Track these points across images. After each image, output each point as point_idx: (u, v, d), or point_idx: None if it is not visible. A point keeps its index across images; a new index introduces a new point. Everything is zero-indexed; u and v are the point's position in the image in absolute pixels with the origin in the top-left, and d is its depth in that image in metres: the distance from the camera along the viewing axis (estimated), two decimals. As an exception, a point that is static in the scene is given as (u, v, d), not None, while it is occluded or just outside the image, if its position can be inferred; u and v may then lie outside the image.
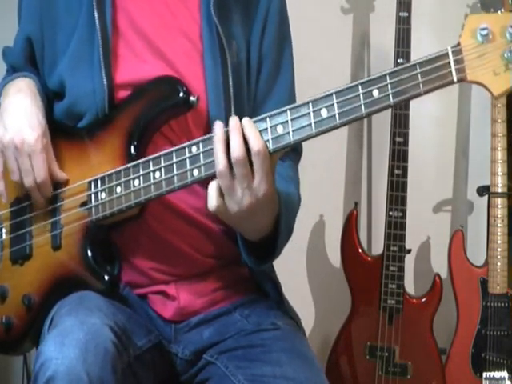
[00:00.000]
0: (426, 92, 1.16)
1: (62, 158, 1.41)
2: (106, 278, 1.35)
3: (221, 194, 1.24)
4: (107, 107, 1.38)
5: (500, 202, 2.14)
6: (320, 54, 2.34)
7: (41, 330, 1.36)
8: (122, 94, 1.40)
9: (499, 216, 2.14)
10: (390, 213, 2.17)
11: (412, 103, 2.09)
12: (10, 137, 1.36)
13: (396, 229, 2.16)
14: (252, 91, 1.47)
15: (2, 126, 1.38)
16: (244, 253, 1.38)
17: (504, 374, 2.17)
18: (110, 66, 1.39)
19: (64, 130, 1.44)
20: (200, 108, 1.37)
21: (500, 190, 2.14)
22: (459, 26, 2.47)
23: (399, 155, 2.15)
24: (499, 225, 2.14)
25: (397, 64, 2.11)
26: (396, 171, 2.15)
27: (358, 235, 2.26)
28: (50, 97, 1.47)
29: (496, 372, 2.17)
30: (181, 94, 1.34)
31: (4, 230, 1.46)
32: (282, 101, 1.48)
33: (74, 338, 1.16)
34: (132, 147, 1.35)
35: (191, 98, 1.34)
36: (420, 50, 2.23)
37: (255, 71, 1.47)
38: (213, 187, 1.24)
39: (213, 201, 1.24)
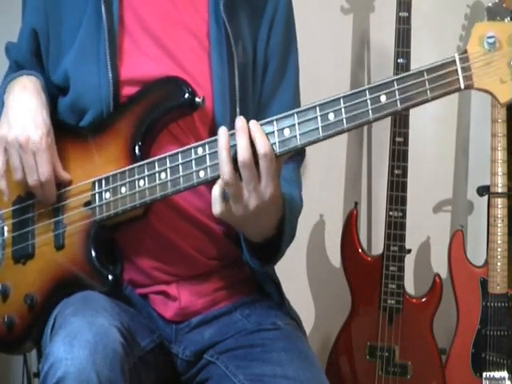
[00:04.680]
0: (434, 98, 1.17)
1: (66, 157, 1.40)
2: (110, 277, 1.34)
3: (224, 198, 1.24)
4: (112, 103, 1.38)
5: (500, 202, 2.14)
6: (320, 54, 2.34)
7: (43, 329, 1.36)
8: (128, 90, 1.39)
9: (499, 216, 2.14)
10: (390, 213, 2.17)
11: (412, 103, 2.09)
12: (14, 134, 1.35)
13: (396, 229, 2.16)
14: (257, 92, 1.47)
15: (7, 123, 1.37)
16: (247, 254, 1.38)
17: (504, 374, 2.17)
18: (115, 60, 1.39)
19: (67, 129, 1.43)
20: (206, 106, 1.37)
21: (500, 190, 2.14)
22: (459, 26, 2.48)
23: (399, 155, 2.15)
24: (499, 225, 2.14)
25: (397, 64, 2.11)
26: (396, 171, 2.15)
27: (358, 235, 2.26)
28: (53, 94, 1.46)
29: (496, 372, 2.17)
30: (186, 95, 1.34)
31: (6, 229, 1.45)
32: (287, 102, 1.49)
33: (83, 339, 1.16)
34: (136, 147, 1.35)
35: (197, 100, 1.34)
36: (420, 50, 2.24)
37: (261, 72, 1.47)
38: (216, 192, 1.24)
39: (217, 206, 1.24)
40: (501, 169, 2.14)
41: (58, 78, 1.45)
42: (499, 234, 2.14)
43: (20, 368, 2.22)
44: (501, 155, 2.13)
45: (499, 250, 2.14)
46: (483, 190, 2.21)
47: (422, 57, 2.26)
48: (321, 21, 2.35)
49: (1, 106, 1.43)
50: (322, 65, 2.35)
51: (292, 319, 1.49)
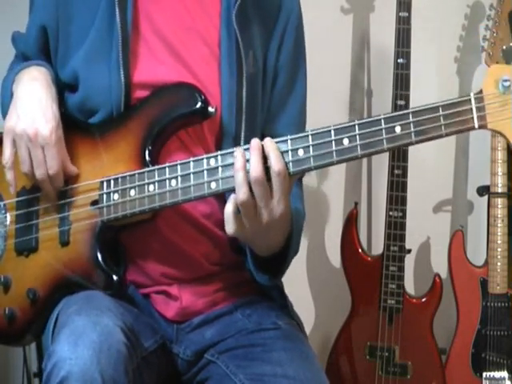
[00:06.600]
0: (448, 134, 1.17)
1: (74, 152, 1.39)
2: (115, 278, 1.34)
3: (236, 217, 1.23)
4: (123, 105, 1.37)
5: (500, 202, 2.14)
6: (320, 54, 2.33)
7: (44, 324, 1.36)
8: (139, 93, 1.39)
9: (499, 216, 2.14)
10: (390, 213, 2.17)
11: (412, 103, 2.09)
12: (23, 127, 1.34)
13: (396, 229, 2.16)
14: (266, 102, 1.47)
15: (16, 114, 1.36)
16: (253, 269, 1.38)
17: (504, 374, 2.17)
18: (128, 63, 1.38)
19: (76, 125, 1.42)
20: (215, 115, 1.37)
21: (500, 190, 2.14)
22: (459, 26, 2.48)
23: (399, 155, 2.15)
24: (499, 225, 2.14)
25: (397, 64, 2.12)
26: (396, 171, 2.15)
27: (358, 235, 2.25)
28: (61, 89, 1.45)
29: (496, 372, 2.17)
30: (199, 104, 1.33)
31: (9, 219, 1.44)
32: (295, 114, 1.50)
33: (87, 338, 1.16)
34: (146, 151, 1.35)
35: (209, 109, 1.34)
36: (420, 50, 2.24)
37: (270, 83, 1.47)
38: (229, 210, 1.24)
39: (231, 225, 1.24)
40: (501, 169, 2.14)
41: (66, 75, 1.44)
42: (499, 234, 2.14)
43: (20, 368, 2.22)
44: (501, 155, 2.13)
45: (499, 250, 2.14)
46: (483, 190, 2.21)
47: (421, 57, 2.26)
48: (321, 21, 2.35)
49: (9, 95, 1.42)
50: (322, 65, 2.35)
51: (293, 319, 1.49)
